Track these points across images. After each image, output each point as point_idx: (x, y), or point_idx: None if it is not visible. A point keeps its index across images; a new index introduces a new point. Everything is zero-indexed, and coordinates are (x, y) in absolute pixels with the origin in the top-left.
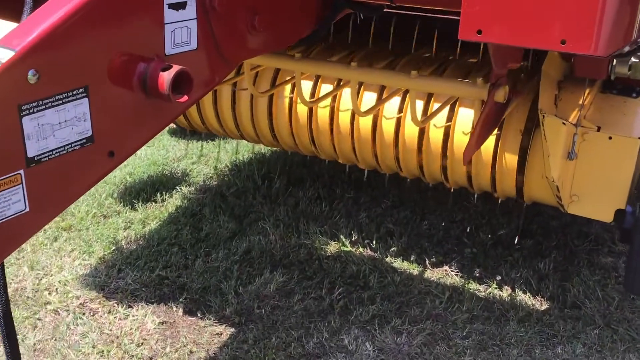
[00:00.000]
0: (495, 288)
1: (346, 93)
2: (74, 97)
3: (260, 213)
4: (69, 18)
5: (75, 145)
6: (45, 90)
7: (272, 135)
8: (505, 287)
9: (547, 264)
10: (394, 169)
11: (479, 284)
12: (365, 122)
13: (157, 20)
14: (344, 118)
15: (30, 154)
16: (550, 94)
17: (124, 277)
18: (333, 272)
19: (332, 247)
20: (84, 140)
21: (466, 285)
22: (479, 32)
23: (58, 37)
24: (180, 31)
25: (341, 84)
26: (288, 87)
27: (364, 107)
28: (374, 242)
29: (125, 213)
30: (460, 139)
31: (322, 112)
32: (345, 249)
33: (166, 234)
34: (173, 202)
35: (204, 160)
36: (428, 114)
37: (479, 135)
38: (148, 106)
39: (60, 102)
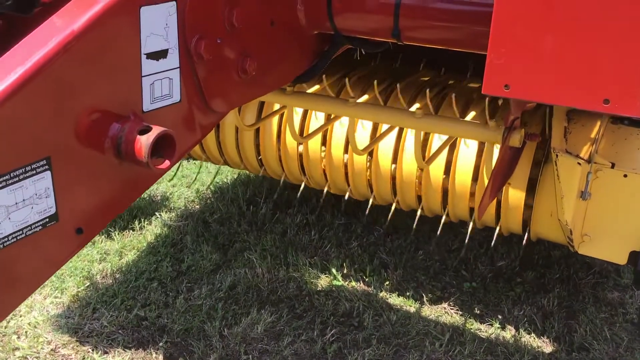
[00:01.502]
0: (498, 327)
1: (339, 123)
2: (34, 172)
3: (245, 242)
4: (25, 81)
5: (36, 227)
6: None
7: (260, 164)
8: (509, 326)
9: (551, 300)
10: (391, 202)
11: (481, 323)
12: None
13: (133, 72)
14: (336, 148)
15: None
16: (561, 129)
17: (99, 318)
18: (325, 310)
19: (323, 281)
20: (47, 220)
21: (467, 325)
22: (506, 87)
23: (12, 103)
24: (161, 83)
25: (332, 116)
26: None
27: (358, 137)
28: (367, 274)
29: (101, 243)
30: (462, 172)
31: (313, 143)
32: (337, 282)
33: (145, 266)
34: (152, 229)
35: (185, 182)
36: (428, 148)
37: (493, 185)
38: (122, 172)
39: (17, 179)
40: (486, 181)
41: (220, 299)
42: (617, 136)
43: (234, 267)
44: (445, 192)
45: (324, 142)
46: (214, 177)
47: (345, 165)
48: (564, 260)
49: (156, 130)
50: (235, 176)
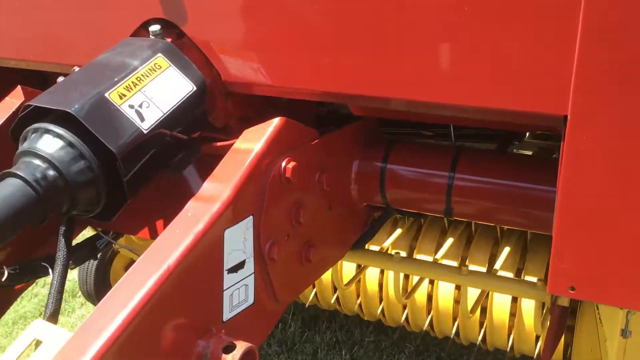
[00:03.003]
0: None
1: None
2: None
3: None
4: (127, 326)
5: None
6: None
7: None
8: None
9: None
10: (425, 329)
11: None
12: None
13: (216, 289)
14: (371, 281)
15: None
16: None
17: None
18: None
19: None
20: None
21: None
22: (572, 288)
23: (116, 348)
24: (238, 291)
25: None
26: None
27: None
28: None
29: None
30: (500, 304)
31: (348, 277)
32: None
33: None
34: None
35: None
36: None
37: (547, 347)
38: None
39: None
40: (523, 314)
41: None
42: None
43: None
44: (482, 323)
45: (359, 279)
46: None
47: (381, 297)
48: None
49: (240, 348)
50: None
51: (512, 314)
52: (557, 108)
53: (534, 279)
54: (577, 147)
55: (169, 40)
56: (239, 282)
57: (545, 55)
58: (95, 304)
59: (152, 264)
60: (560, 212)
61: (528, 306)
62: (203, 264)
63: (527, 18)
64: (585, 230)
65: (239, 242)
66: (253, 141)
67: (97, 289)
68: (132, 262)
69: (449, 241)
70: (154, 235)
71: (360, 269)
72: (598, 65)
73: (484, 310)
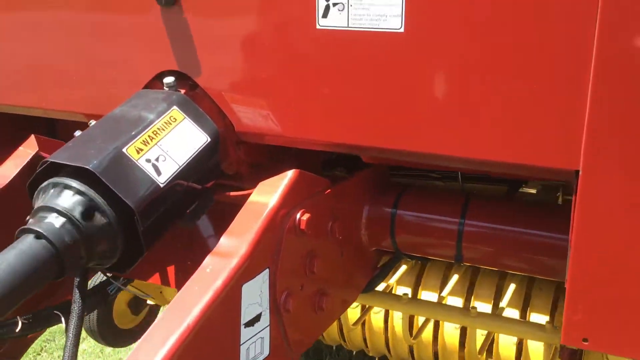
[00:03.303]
0: None
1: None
2: None
3: None
4: None
5: None
6: None
7: None
8: None
9: None
10: None
11: None
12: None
13: (233, 344)
14: (377, 318)
15: None
16: None
17: None
18: None
19: None
20: None
21: None
22: (585, 340)
23: None
24: (255, 345)
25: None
26: None
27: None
28: None
29: None
30: (507, 343)
31: (353, 313)
32: None
33: None
34: None
35: None
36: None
37: None
38: None
39: None
40: (530, 354)
41: None
42: None
43: None
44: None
45: (364, 313)
46: None
47: (386, 332)
48: None
49: None
50: None
51: (519, 353)
52: (568, 163)
53: (542, 320)
54: (590, 201)
55: (182, 91)
56: (255, 335)
57: (556, 111)
58: (97, 340)
59: (173, 321)
60: (573, 264)
61: (536, 346)
62: (221, 320)
63: (537, 73)
64: (598, 283)
65: (255, 295)
66: (268, 194)
67: (100, 326)
68: (135, 298)
69: (455, 278)
70: (164, 281)
71: (366, 308)
72: (609, 120)
73: (489, 348)
